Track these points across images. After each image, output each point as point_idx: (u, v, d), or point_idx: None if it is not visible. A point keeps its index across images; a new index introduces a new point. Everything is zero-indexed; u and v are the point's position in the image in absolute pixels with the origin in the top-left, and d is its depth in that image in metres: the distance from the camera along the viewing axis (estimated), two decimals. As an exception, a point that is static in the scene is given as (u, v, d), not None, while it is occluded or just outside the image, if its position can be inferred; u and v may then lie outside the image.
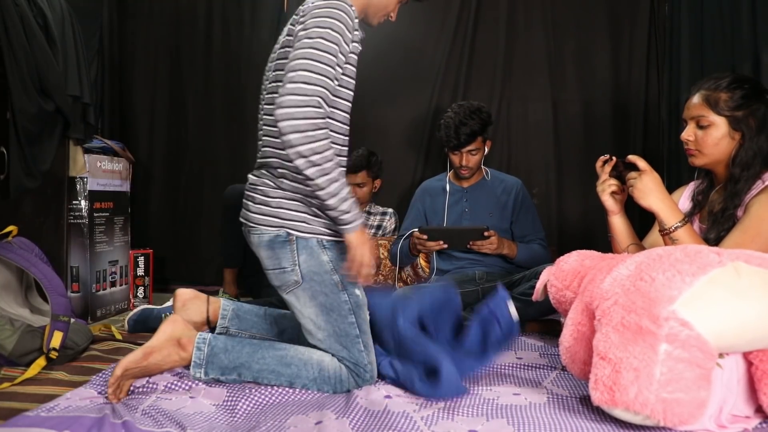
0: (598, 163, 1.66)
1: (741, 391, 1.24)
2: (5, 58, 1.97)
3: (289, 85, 1.33)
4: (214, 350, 1.47)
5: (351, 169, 2.90)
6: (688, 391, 1.12)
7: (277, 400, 1.40)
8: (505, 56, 3.15)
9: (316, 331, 1.50)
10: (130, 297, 2.73)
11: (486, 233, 2.25)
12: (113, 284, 2.58)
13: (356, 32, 1.52)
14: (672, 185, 1.73)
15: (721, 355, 1.20)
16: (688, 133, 1.59)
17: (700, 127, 1.57)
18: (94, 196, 2.45)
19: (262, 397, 1.41)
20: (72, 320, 1.78)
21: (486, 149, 2.47)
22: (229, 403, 1.36)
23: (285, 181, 1.51)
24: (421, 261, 2.72)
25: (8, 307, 1.86)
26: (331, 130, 1.47)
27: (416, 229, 2.32)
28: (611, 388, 1.16)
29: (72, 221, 2.41)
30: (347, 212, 1.43)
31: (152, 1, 3.25)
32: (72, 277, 2.40)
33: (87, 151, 2.46)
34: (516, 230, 2.47)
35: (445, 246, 2.30)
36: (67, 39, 2.34)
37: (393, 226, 3.02)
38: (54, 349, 1.67)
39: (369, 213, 3.03)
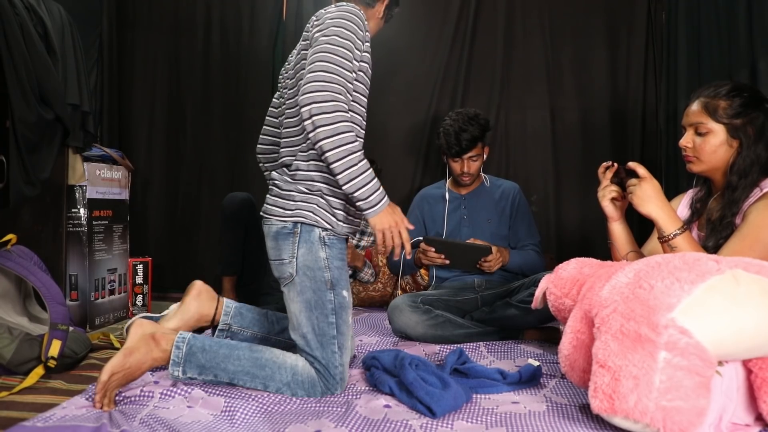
0: (600, 169, 1.66)
1: (741, 399, 1.24)
2: (5, 67, 1.97)
3: (309, 75, 1.41)
4: (192, 349, 1.49)
5: None
6: (688, 399, 1.11)
7: (275, 409, 1.40)
8: (503, 64, 3.17)
9: (298, 326, 1.54)
10: (129, 305, 2.72)
11: (486, 259, 2.25)
12: (112, 292, 2.57)
13: (367, 37, 1.58)
14: (670, 193, 1.73)
15: (720, 363, 1.20)
16: (687, 140, 1.60)
17: (698, 134, 1.58)
18: (93, 205, 2.45)
19: (260, 406, 1.40)
20: (70, 329, 1.77)
21: (485, 155, 2.47)
22: (227, 412, 1.35)
23: (299, 172, 1.57)
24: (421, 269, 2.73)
25: (7, 316, 1.85)
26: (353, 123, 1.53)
27: (421, 238, 2.31)
28: (611, 396, 1.16)
29: (71, 229, 2.41)
30: (368, 195, 1.47)
31: (151, 10, 3.26)
32: (71, 286, 2.39)
33: (86, 159, 2.47)
34: (511, 235, 2.47)
35: (447, 263, 2.29)
36: (67, 48, 2.34)
37: (392, 234, 3.02)
38: (52, 357, 1.66)
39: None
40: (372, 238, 2.99)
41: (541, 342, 2.15)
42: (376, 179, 1.49)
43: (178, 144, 3.29)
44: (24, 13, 2.10)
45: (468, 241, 2.33)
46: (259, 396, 1.46)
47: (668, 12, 2.99)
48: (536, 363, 1.61)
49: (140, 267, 2.78)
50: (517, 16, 3.17)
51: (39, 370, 1.65)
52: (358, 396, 1.49)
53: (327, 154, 1.42)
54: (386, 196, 1.52)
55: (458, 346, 1.98)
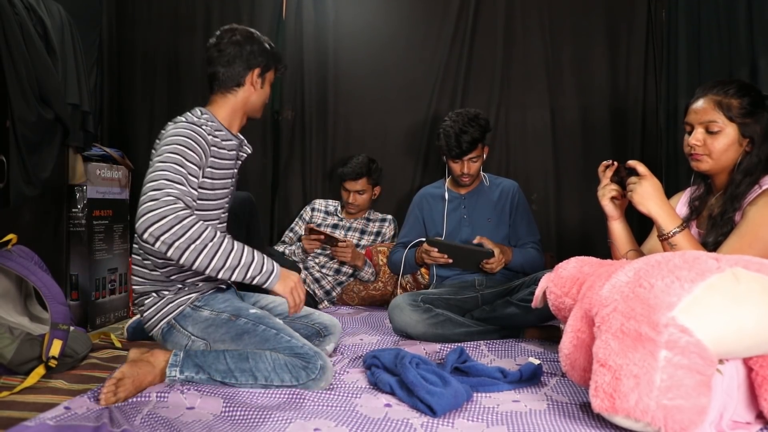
0: (600, 168, 1.66)
1: (741, 397, 1.24)
2: (5, 67, 1.98)
3: (141, 198, 1.48)
4: (189, 353, 1.60)
5: (352, 176, 2.91)
6: (689, 397, 1.12)
7: (276, 409, 1.40)
8: (503, 63, 3.17)
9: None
10: (130, 305, 2.72)
11: (488, 261, 2.26)
12: (113, 292, 2.58)
13: (216, 139, 1.67)
14: (670, 191, 1.73)
15: (721, 361, 1.20)
16: (696, 138, 1.57)
17: (709, 132, 1.56)
18: (93, 204, 2.45)
19: (261, 405, 1.40)
20: (71, 328, 1.78)
21: (485, 155, 2.47)
22: (227, 412, 1.35)
23: (143, 275, 1.75)
24: (421, 268, 2.73)
25: (7, 316, 1.85)
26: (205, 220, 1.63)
27: (424, 239, 2.31)
28: (611, 395, 1.16)
29: (71, 229, 2.41)
30: (257, 271, 1.54)
31: (151, 10, 3.26)
32: (71, 285, 2.39)
33: (86, 159, 2.47)
34: (511, 233, 2.47)
35: (450, 261, 2.29)
36: (67, 47, 2.34)
37: (392, 233, 3.02)
38: (53, 357, 1.66)
39: (368, 220, 3.04)
40: (371, 237, 2.99)
41: (541, 340, 2.15)
42: (241, 251, 1.53)
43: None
44: (24, 13, 2.10)
45: (474, 241, 2.33)
46: (259, 396, 1.47)
47: (668, 10, 2.99)
48: (537, 361, 1.61)
49: (141, 266, 2.77)
50: (517, 15, 3.17)
51: (40, 370, 1.65)
52: (359, 395, 1.49)
53: (195, 265, 1.46)
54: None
55: (459, 344, 1.98)
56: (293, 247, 2.91)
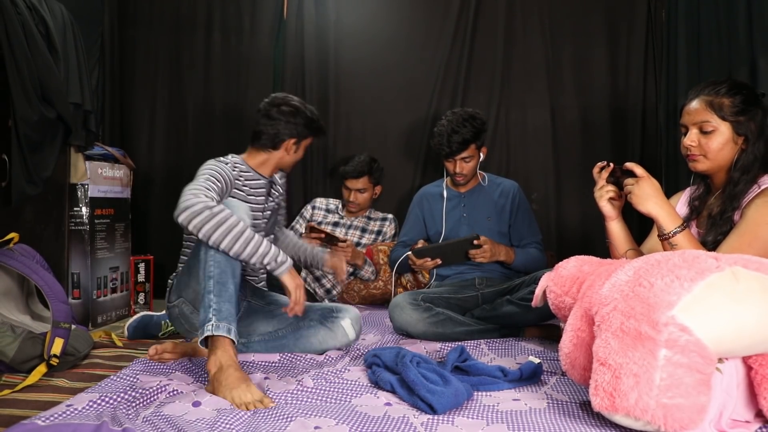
0: (595, 170, 1.66)
1: (741, 396, 1.24)
2: (7, 66, 1.98)
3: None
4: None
5: (353, 175, 2.92)
6: (689, 396, 1.12)
7: (276, 408, 1.40)
8: (503, 63, 3.17)
9: None
10: (131, 303, 2.73)
11: (476, 242, 2.25)
12: (114, 290, 2.58)
13: (240, 176, 1.93)
14: (670, 190, 1.73)
15: (720, 360, 1.21)
16: (691, 139, 1.58)
17: (703, 132, 1.57)
18: (95, 203, 2.46)
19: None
20: (73, 327, 1.78)
21: (481, 156, 2.47)
22: (231, 410, 1.36)
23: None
24: (421, 267, 2.73)
25: (9, 314, 1.86)
26: None
27: (410, 252, 2.31)
28: (611, 393, 1.16)
29: (73, 228, 2.42)
30: (270, 259, 1.67)
31: (153, 9, 3.27)
32: (73, 284, 2.40)
33: (88, 158, 2.47)
34: (513, 233, 2.47)
35: (440, 262, 2.29)
36: (69, 46, 2.35)
37: (393, 232, 3.03)
38: (55, 355, 1.67)
39: (369, 218, 3.04)
40: (372, 236, 2.99)
41: (541, 339, 2.16)
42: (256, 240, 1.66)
43: (180, 142, 3.29)
44: (26, 13, 2.11)
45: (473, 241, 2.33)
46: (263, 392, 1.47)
47: (668, 10, 2.99)
48: (537, 360, 1.62)
49: (142, 265, 2.79)
50: (517, 15, 3.17)
51: (41, 368, 1.66)
52: (359, 394, 1.50)
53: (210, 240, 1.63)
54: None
55: (459, 343, 1.99)
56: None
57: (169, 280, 2.04)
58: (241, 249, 1.61)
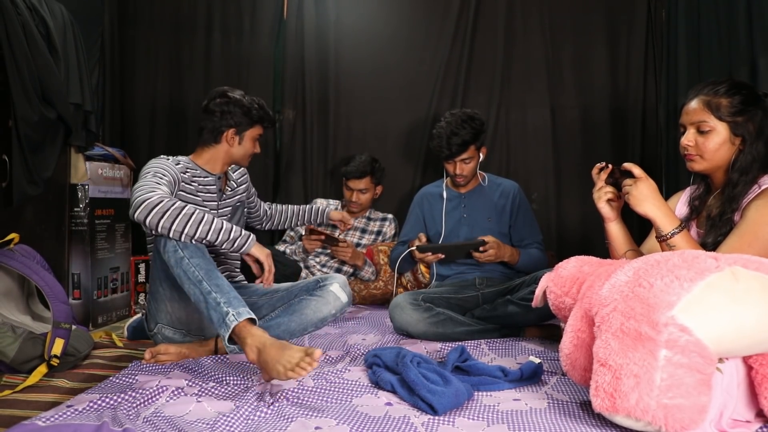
0: (594, 171, 1.66)
1: (741, 396, 1.24)
2: (7, 66, 1.98)
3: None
4: None
5: (356, 175, 2.92)
6: (689, 396, 1.12)
7: (277, 408, 1.40)
8: (503, 62, 3.17)
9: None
10: (132, 304, 2.73)
11: (482, 248, 2.25)
12: (114, 291, 2.58)
13: (185, 174, 1.95)
14: (670, 190, 1.74)
15: (720, 360, 1.21)
16: (688, 139, 1.58)
17: (700, 132, 1.57)
18: (95, 203, 2.46)
19: (263, 405, 1.41)
20: (73, 327, 1.78)
21: (481, 156, 2.47)
22: (231, 411, 1.36)
23: None
24: (422, 267, 2.73)
25: (10, 315, 1.86)
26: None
27: (415, 248, 2.32)
28: (612, 394, 1.16)
29: (73, 228, 2.42)
30: (232, 236, 1.75)
31: (153, 9, 3.27)
32: (73, 284, 2.40)
33: (88, 158, 2.47)
34: (513, 234, 2.47)
35: (442, 257, 2.30)
36: (69, 47, 2.35)
37: (393, 232, 3.03)
38: (55, 356, 1.67)
39: (369, 219, 3.04)
40: (372, 236, 3.00)
41: (542, 339, 2.16)
42: (210, 218, 1.75)
43: (179, 143, 3.28)
44: (26, 13, 2.11)
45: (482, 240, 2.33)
46: (262, 394, 1.47)
47: (668, 10, 2.99)
48: (537, 361, 1.62)
49: (142, 266, 2.78)
50: (517, 14, 3.17)
51: (42, 369, 1.66)
52: (360, 394, 1.50)
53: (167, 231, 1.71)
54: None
55: (460, 343, 1.99)
56: (294, 246, 2.92)
57: (141, 313, 2.08)
58: (204, 233, 1.69)
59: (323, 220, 2.40)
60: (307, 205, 2.52)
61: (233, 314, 1.54)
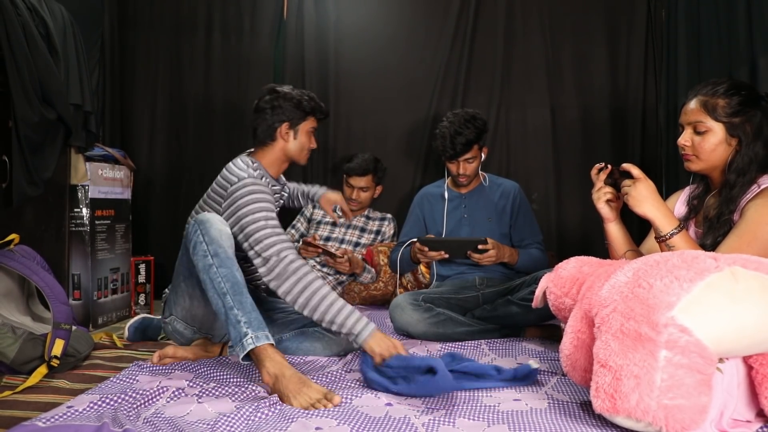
0: (593, 171, 1.66)
1: (742, 396, 1.24)
2: (7, 67, 1.98)
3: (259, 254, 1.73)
4: None
5: (358, 172, 2.92)
6: (689, 397, 1.12)
7: (277, 408, 1.40)
8: (503, 63, 3.17)
9: None
10: (132, 304, 2.73)
11: (481, 247, 2.25)
12: (114, 291, 2.58)
13: (276, 188, 1.98)
14: (670, 190, 1.74)
15: (721, 360, 1.21)
16: (685, 139, 1.59)
17: (697, 132, 1.57)
18: (95, 204, 2.46)
19: (263, 405, 1.41)
20: (73, 328, 1.78)
21: (483, 156, 2.47)
22: (232, 411, 1.36)
23: None
24: (422, 267, 2.73)
25: (10, 315, 1.86)
26: None
27: (416, 239, 2.32)
28: (612, 395, 1.16)
29: (73, 229, 2.42)
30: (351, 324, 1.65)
31: (153, 10, 3.27)
32: (73, 285, 2.40)
33: (88, 159, 2.47)
34: (514, 234, 2.47)
35: (446, 256, 2.30)
36: (69, 48, 2.35)
37: (392, 232, 3.03)
38: (55, 356, 1.67)
39: (368, 218, 3.04)
40: (371, 236, 3.00)
41: (542, 339, 2.16)
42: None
43: (180, 143, 3.29)
44: (26, 14, 2.11)
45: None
46: (262, 395, 1.47)
47: (668, 10, 3.00)
48: (536, 365, 1.60)
49: (142, 266, 2.79)
50: (517, 14, 3.17)
51: (42, 370, 1.65)
52: (360, 394, 1.50)
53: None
54: None
55: (459, 344, 1.98)
56: (294, 245, 2.92)
57: (163, 294, 2.00)
58: (322, 314, 1.65)
59: (314, 197, 2.32)
60: (304, 186, 2.41)
61: (252, 337, 1.51)
